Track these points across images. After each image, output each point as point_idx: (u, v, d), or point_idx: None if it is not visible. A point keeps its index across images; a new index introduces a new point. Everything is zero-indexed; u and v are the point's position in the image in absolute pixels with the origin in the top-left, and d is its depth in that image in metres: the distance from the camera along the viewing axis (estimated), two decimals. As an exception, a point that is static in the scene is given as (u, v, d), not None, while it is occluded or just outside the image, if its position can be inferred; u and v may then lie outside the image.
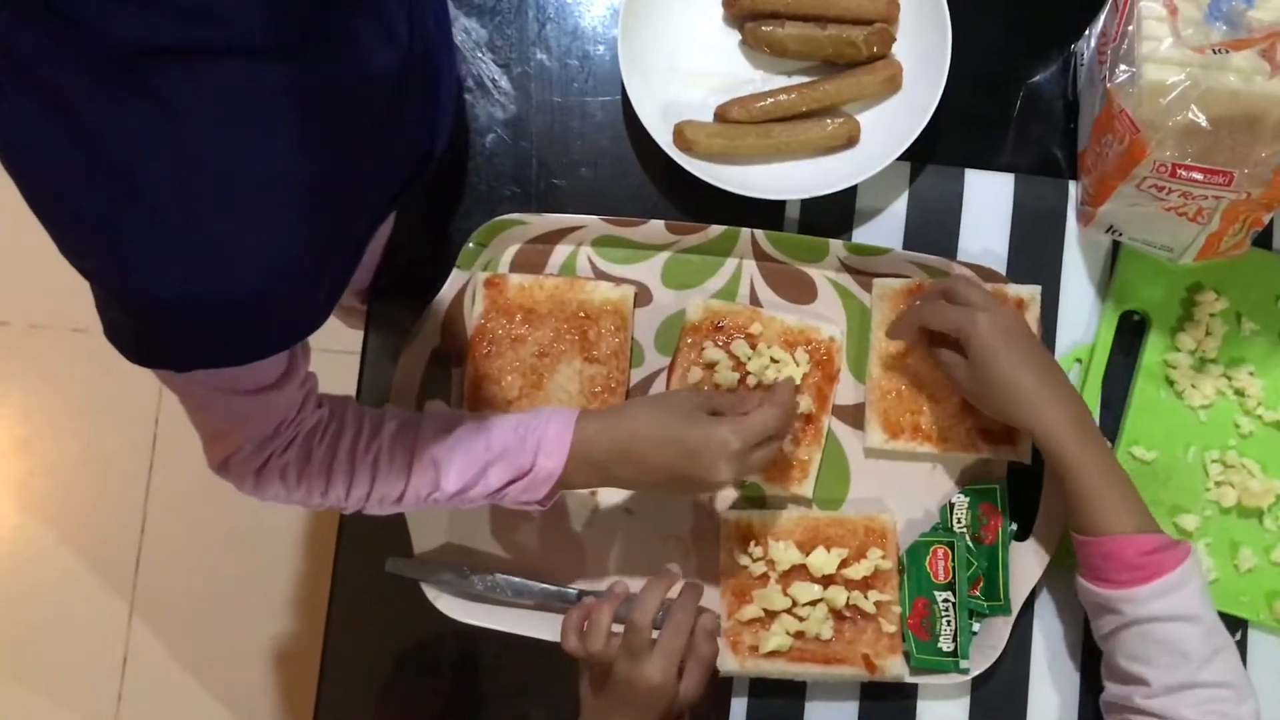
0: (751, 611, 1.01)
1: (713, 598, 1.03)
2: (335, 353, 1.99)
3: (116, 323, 0.71)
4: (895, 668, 1.00)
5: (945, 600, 1.01)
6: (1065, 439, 0.92)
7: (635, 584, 1.01)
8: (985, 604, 1.02)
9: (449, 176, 1.11)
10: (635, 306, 1.07)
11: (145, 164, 0.62)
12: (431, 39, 0.94)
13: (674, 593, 0.98)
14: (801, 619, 1.01)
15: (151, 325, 0.70)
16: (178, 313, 0.67)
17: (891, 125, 1.08)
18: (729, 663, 1.01)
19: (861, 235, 1.10)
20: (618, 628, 0.95)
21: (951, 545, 1.02)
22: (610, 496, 1.06)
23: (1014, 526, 1.04)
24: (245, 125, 0.64)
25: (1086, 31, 1.09)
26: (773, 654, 1.00)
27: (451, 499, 0.92)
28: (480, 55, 1.13)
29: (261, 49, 0.63)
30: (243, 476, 0.90)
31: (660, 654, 0.92)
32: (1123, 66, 0.95)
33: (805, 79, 1.11)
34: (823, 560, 1.01)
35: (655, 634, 0.94)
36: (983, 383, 0.95)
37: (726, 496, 1.06)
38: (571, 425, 0.91)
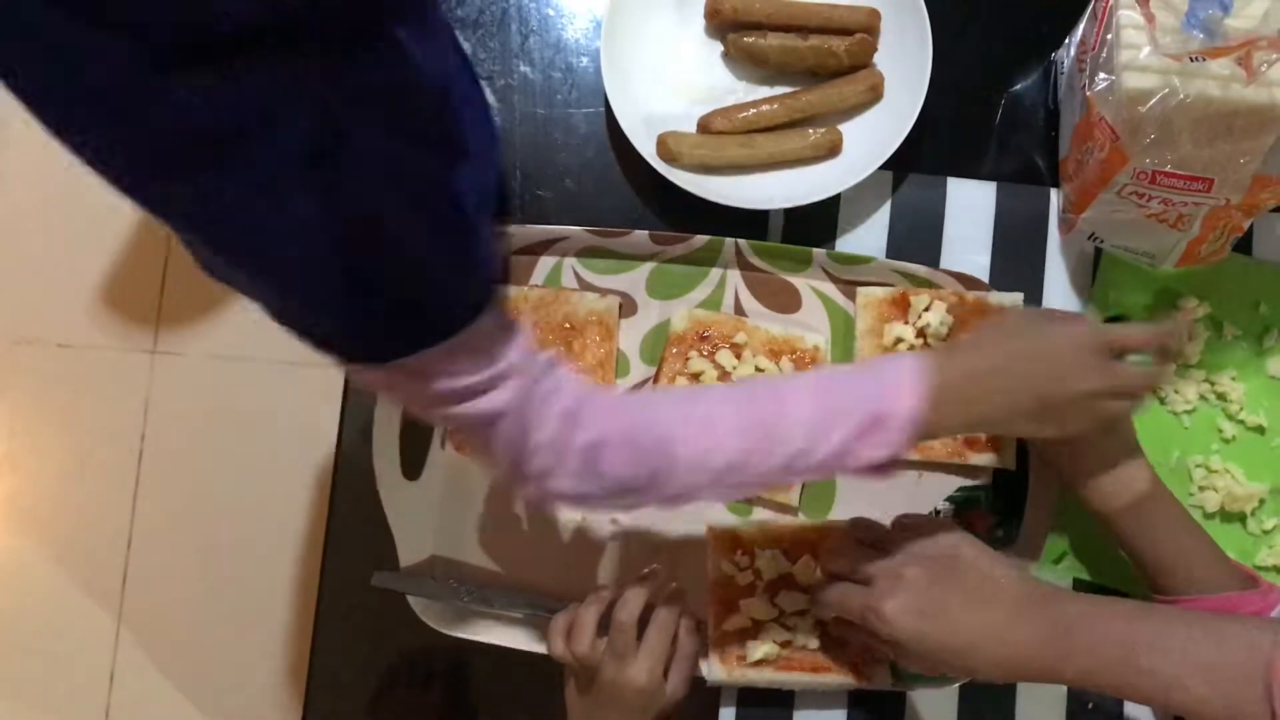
0: (739, 621, 1.01)
1: (699, 608, 1.03)
2: (323, 367, 2.00)
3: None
4: (883, 676, 1.00)
5: None
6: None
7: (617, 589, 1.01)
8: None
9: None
10: (620, 317, 1.07)
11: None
12: None
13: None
14: (789, 628, 1.01)
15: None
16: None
17: (874, 134, 1.08)
18: (717, 672, 1.01)
19: (845, 244, 1.11)
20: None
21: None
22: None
23: (1000, 532, 1.04)
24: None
25: (1066, 40, 1.10)
26: (760, 663, 1.00)
27: (791, 462, 0.78)
28: (463, 68, 1.13)
29: None
30: (556, 478, 0.76)
31: (646, 655, 0.91)
32: (1102, 75, 0.96)
33: (787, 89, 1.11)
34: (810, 569, 1.01)
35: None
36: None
37: (713, 507, 1.06)
38: (923, 363, 0.80)
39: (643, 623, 0.93)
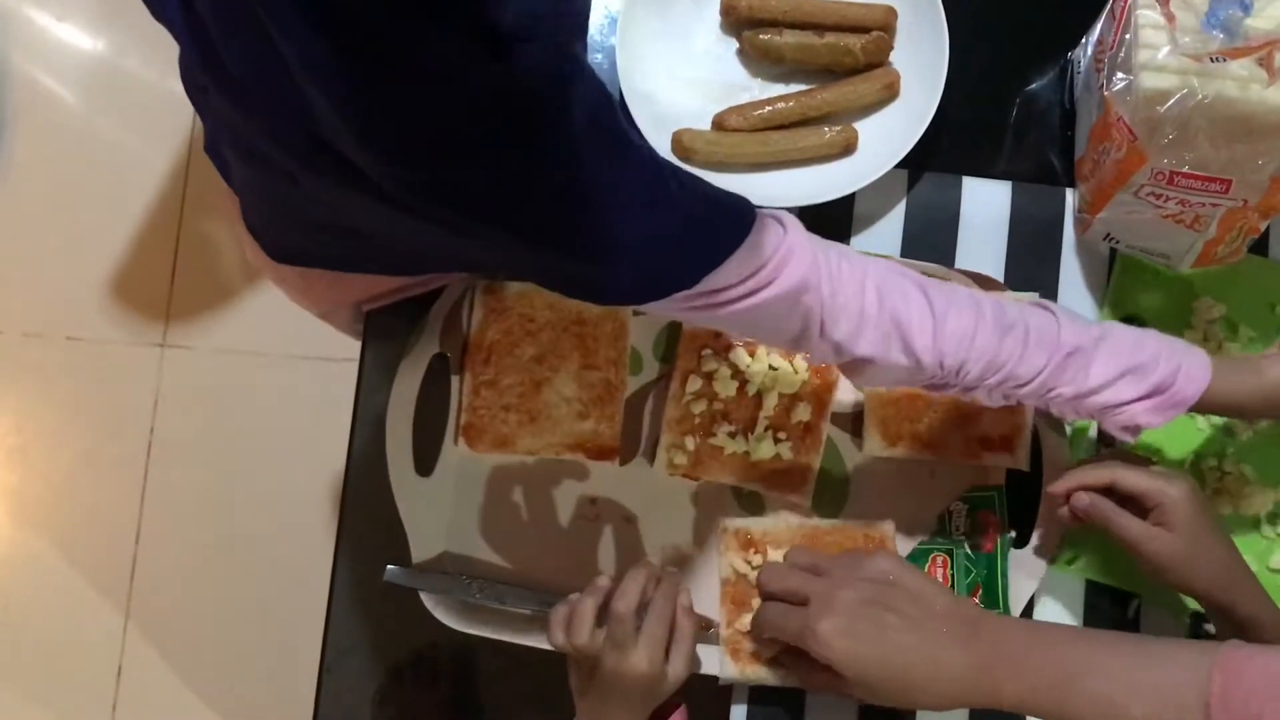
0: (750, 619, 1.01)
1: (712, 605, 1.03)
2: (335, 361, 2.01)
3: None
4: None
5: None
6: (1253, 599, 0.87)
7: (634, 592, 1.01)
8: (985, 611, 1.02)
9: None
10: (633, 314, 1.07)
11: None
12: None
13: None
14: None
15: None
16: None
17: (889, 133, 1.08)
18: (729, 670, 1.01)
19: (859, 243, 1.10)
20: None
21: (950, 553, 1.02)
22: (609, 506, 1.06)
23: (1013, 534, 1.04)
24: None
25: (1083, 39, 1.10)
26: (772, 661, 1.00)
27: (1078, 395, 0.86)
28: (478, 63, 1.13)
29: None
30: (859, 341, 0.83)
31: (645, 642, 0.91)
32: (1120, 74, 0.96)
33: (803, 87, 1.11)
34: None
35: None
36: (1185, 549, 0.88)
37: (726, 506, 1.06)
38: (1209, 361, 0.88)
39: (641, 610, 0.94)
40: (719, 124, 1.09)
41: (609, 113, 0.68)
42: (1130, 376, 0.86)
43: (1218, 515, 1.05)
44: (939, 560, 1.02)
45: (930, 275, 1.04)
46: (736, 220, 0.76)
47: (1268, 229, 1.08)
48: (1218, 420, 1.07)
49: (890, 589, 0.83)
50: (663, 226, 0.72)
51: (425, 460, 1.06)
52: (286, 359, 2.09)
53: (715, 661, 1.01)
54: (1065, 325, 0.86)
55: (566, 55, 0.61)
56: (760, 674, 1.00)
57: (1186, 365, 0.87)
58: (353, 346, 1.12)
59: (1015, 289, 1.05)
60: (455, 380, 1.07)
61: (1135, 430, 0.88)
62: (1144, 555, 0.90)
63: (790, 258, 0.78)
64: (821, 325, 0.81)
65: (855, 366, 0.85)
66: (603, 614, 0.93)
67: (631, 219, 0.70)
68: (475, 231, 0.68)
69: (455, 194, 0.65)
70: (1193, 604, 1.04)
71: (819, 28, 1.09)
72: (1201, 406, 0.87)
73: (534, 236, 0.69)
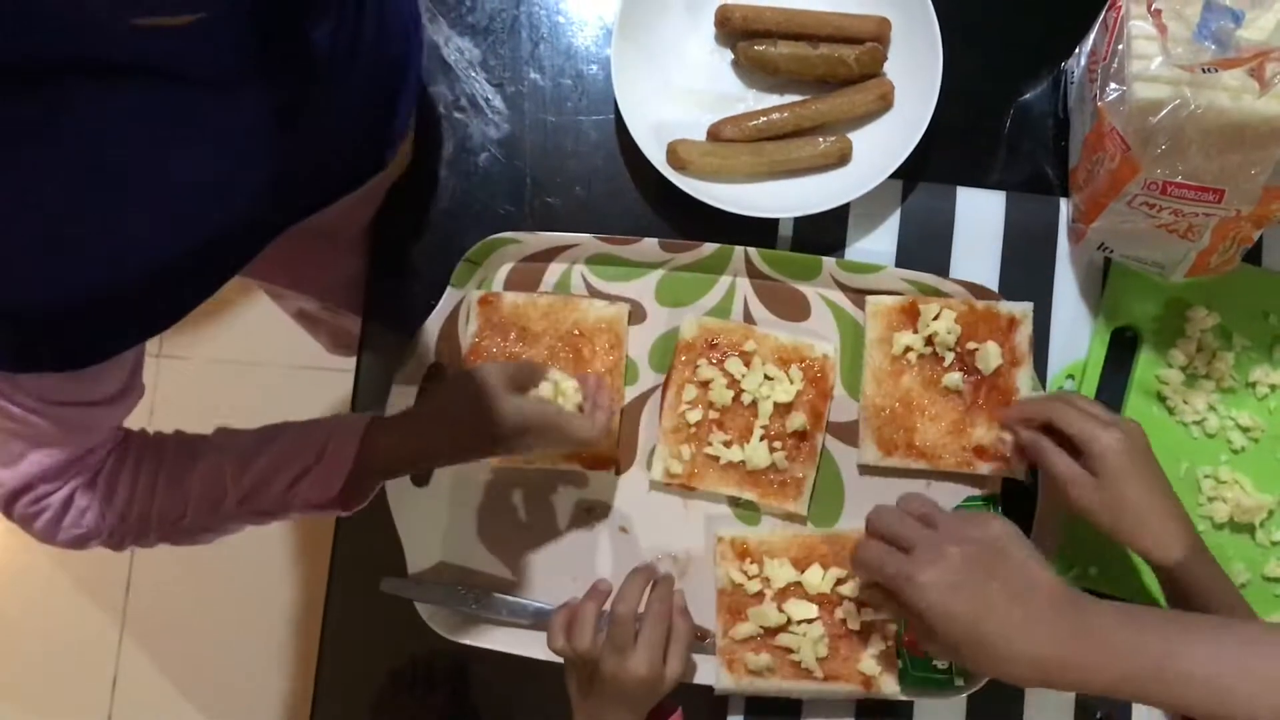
0: (747, 629, 1.01)
1: (709, 615, 1.03)
2: (330, 370, 2.00)
3: None
4: (890, 685, 1.00)
5: None
6: (1196, 565, 0.86)
7: (630, 602, 1.02)
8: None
9: (440, 196, 1.11)
10: (629, 324, 1.07)
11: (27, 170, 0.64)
12: (392, 49, 0.95)
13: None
14: (797, 636, 1.00)
15: (14, 322, 0.70)
16: (43, 308, 0.68)
17: (883, 143, 1.09)
18: (725, 680, 1.00)
19: (854, 253, 1.11)
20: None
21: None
22: (605, 515, 1.06)
23: (1008, 543, 1.04)
24: (152, 144, 0.67)
25: (1076, 50, 1.10)
26: (768, 671, 1.00)
27: (241, 504, 0.90)
28: (474, 74, 1.13)
29: (211, 79, 0.68)
30: (36, 514, 0.85)
31: (644, 646, 0.92)
32: (1113, 85, 0.96)
33: (797, 98, 1.11)
34: (818, 578, 1.01)
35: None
36: (1114, 500, 0.88)
37: (721, 515, 1.06)
38: (362, 423, 0.93)
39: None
40: (714, 135, 1.09)
41: None
42: (284, 467, 0.91)
43: (1211, 523, 1.06)
44: None
45: (924, 285, 1.05)
46: None
47: (1261, 238, 1.09)
48: (1212, 428, 1.07)
49: (998, 555, 0.80)
50: None
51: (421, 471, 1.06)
52: (282, 369, 2.09)
53: (711, 672, 1.01)
54: None
55: None
56: (756, 684, 1.00)
57: (333, 437, 0.93)
58: (346, 358, 1.12)
59: (1009, 298, 1.05)
60: (451, 390, 1.07)
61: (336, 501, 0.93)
62: (1068, 497, 0.91)
63: None
64: None
65: None
66: (602, 617, 0.93)
67: None
68: None
69: None
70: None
71: (813, 39, 1.09)
72: None
73: None
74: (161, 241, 0.71)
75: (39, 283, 0.67)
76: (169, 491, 0.88)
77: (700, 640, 1.01)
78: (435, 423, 0.96)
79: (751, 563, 1.03)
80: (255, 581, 2.05)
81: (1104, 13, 1.03)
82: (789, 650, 1.01)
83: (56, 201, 0.65)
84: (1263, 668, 0.73)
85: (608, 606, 0.97)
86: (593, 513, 1.07)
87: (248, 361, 2.12)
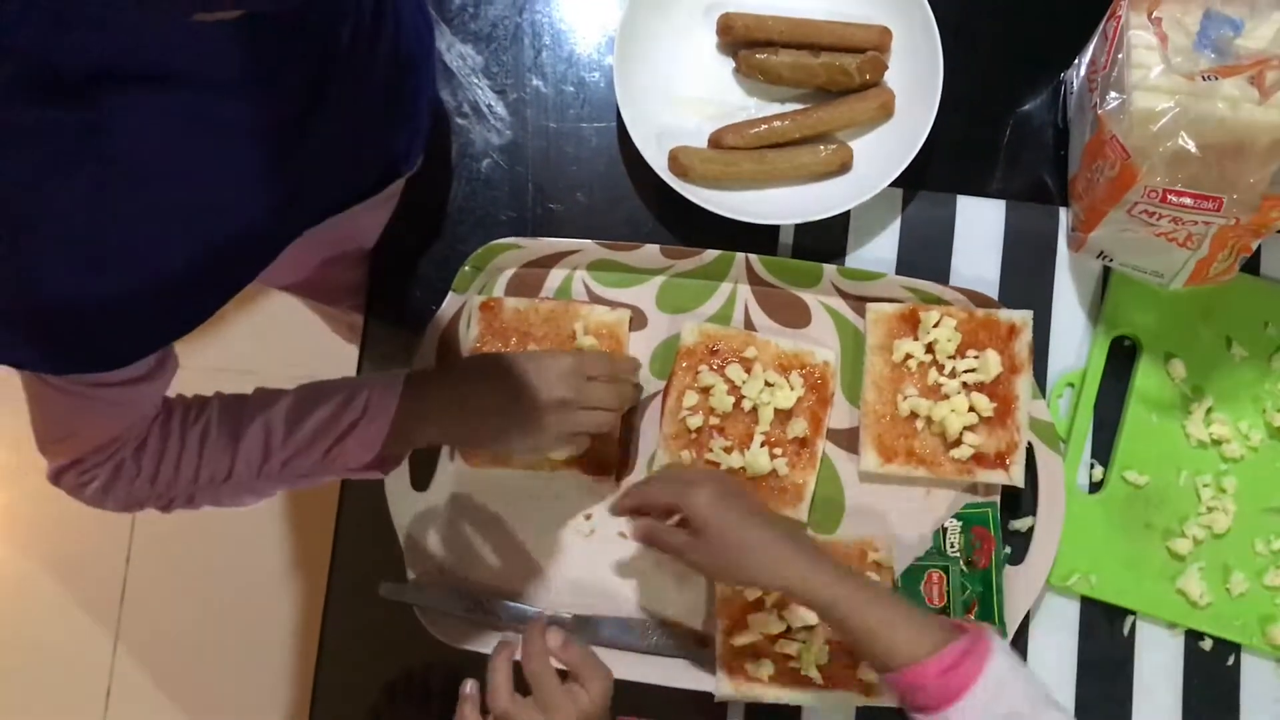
0: (747, 637, 1.01)
1: (708, 622, 1.03)
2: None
3: None
4: (890, 692, 1.00)
5: None
6: (822, 584, 0.87)
7: (627, 604, 1.02)
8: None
9: (443, 201, 1.12)
10: (630, 330, 1.08)
11: (56, 177, 0.64)
12: (407, 56, 0.95)
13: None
14: (797, 643, 1.00)
15: (45, 328, 0.70)
16: (72, 314, 0.69)
17: (884, 152, 1.09)
18: (725, 688, 1.00)
19: (854, 260, 1.11)
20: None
21: (946, 570, 1.02)
22: (606, 520, 1.06)
23: (1008, 550, 1.04)
24: (177, 151, 0.67)
25: (1076, 60, 1.11)
26: (769, 678, 1.00)
27: (285, 466, 0.92)
28: (476, 81, 1.14)
29: (220, 83, 0.68)
30: (85, 483, 0.88)
31: (567, 699, 0.87)
32: (1113, 93, 0.97)
33: (799, 106, 1.12)
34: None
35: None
36: (719, 550, 0.90)
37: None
38: (399, 381, 0.94)
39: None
40: (716, 142, 1.09)
41: None
42: (325, 427, 0.92)
43: (1210, 532, 1.06)
44: (935, 576, 1.02)
45: (924, 292, 1.05)
46: None
47: (1259, 248, 1.09)
48: (1211, 437, 1.07)
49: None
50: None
51: (421, 475, 1.06)
52: (278, 378, 2.07)
53: (711, 679, 1.01)
54: None
55: None
56: (755, 692, 1.00)
57: (373, 397, 0.94)
58: (346, 363, 1.12)
59: (1009, 306, 1.06)
60: (452, 395, 1.07)
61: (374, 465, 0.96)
62: (692, 567, 0.94)
63: None
64: None
65: None
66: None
67: None
68: None
69: None
70: (1187, 621, 1.05)
71: (815, 48, 1.10)
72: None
73: None
74: (189, 244, 0.71)
75: (69, 286, 0.67)
76: (215, 454, 0.89)
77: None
78: (475, 391, 0.97)
79: (751, 569, 1.02)
80: (252, 588, 2.05)
81: (1104, 22, 1.04)
82: (789, 657, 1.01)
83: (88, 208, 0.65)
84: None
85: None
86: (592, 518, 1.06)
87: (245, 370, 2.11)
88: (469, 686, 0.91)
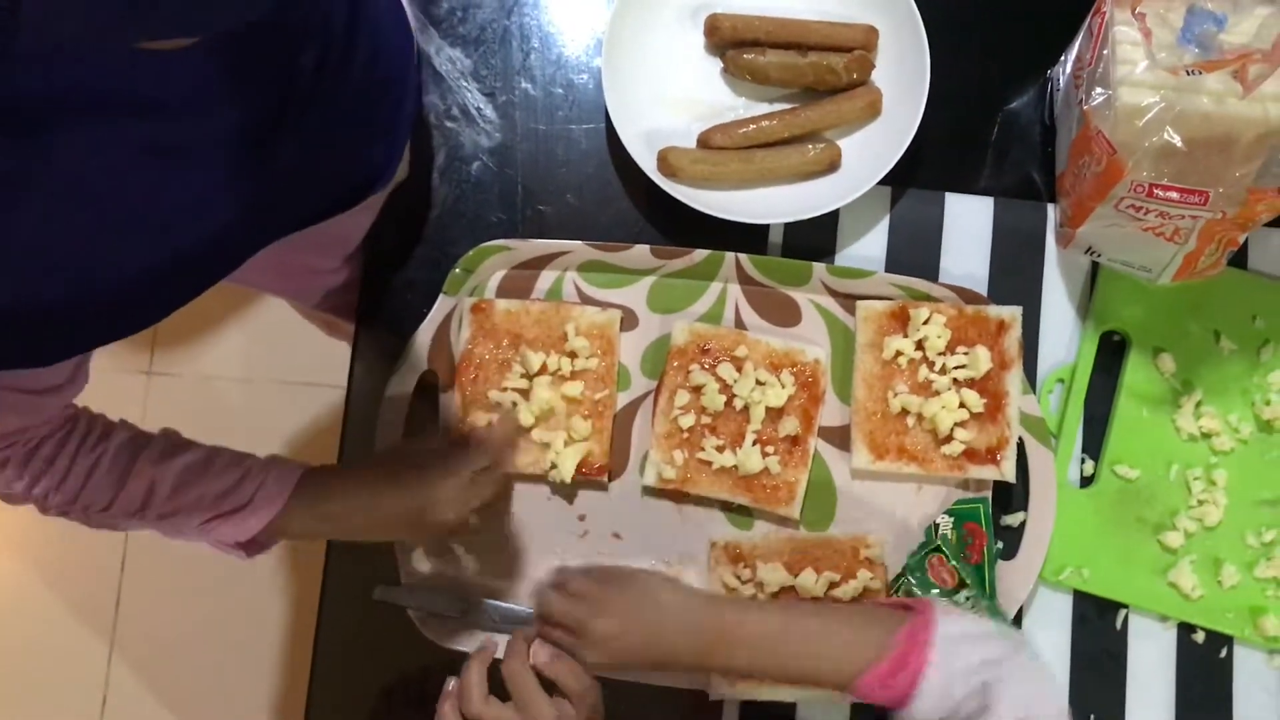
0: (741, 634, 1.01)
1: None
2: (319, 386, 2.01)
3: None
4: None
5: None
6: (743, 641, 0.88)
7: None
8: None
9: (432, 204, 1.12)
10: (621, 330, 1.08)
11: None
12: (385, 72, 0.95)
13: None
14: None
15: None
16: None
17: (872, 150, 1.09)
18: (720, 686, 1.00)
19: (844, 259, 1.11)
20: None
21: (939, 549, 1.02)
22: (598, 521, 1.06)
23: (1000, 545, 1.05)
24: (122, 177, 0.67)
25: (1062, 57, 1.11)
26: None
27: (160, 520, 0.92)
28: (465, 84, 1.14)
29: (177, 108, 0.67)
30: None
31: (546, 704, 0.88)
32: (1099, 89, 0.97)
33: (786, 105, 1.12)
34: (811, 581, 1.01)
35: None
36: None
37: (714, 520, 1.06)
38: (295, 474, 0.94)
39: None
40: (704, 142, 1.10)
41: None
42: (208, 499, 0.92)
43: (1201, 525, 1.06)
44: (936, 561, 1.02)
45: (914, 290, 1.05)
46: None
47: (1246, 241, 1.10)
48: (1200, 430, 1.08)
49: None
50: None
51: (414, 478, 1.06)
52: (273, 384, 2.09)
53: (706, 677, 1.01)
54: None
55: None
56: (750, 690, 1.00)
57: (264, 487, 0.93)
58: (338, 371, 1.12)
59: (998, 303, 1.06)
60: (443, 398, 1.07)
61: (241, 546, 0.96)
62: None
63: None
64: None
65: None
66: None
67: None
68: None
69: None
70: (1180, 614, 1.05)
71: (802, 47, 1.10)
72: None
73: None
74: (136, 259, 0.71)
75: (4, 289, 0.66)
76: (101, 485, 0.89)
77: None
78: (365, 495, 0.97)
79: (745, 567, 1.03)
80: (247, 593, 2.04)
81: (1089, 19, 1.05)
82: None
83: (28, 225, 0.64)
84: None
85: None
86: (585, 519, 1.07)
87: (239, 378, 2.12)
88: (451, 684, 0.91)
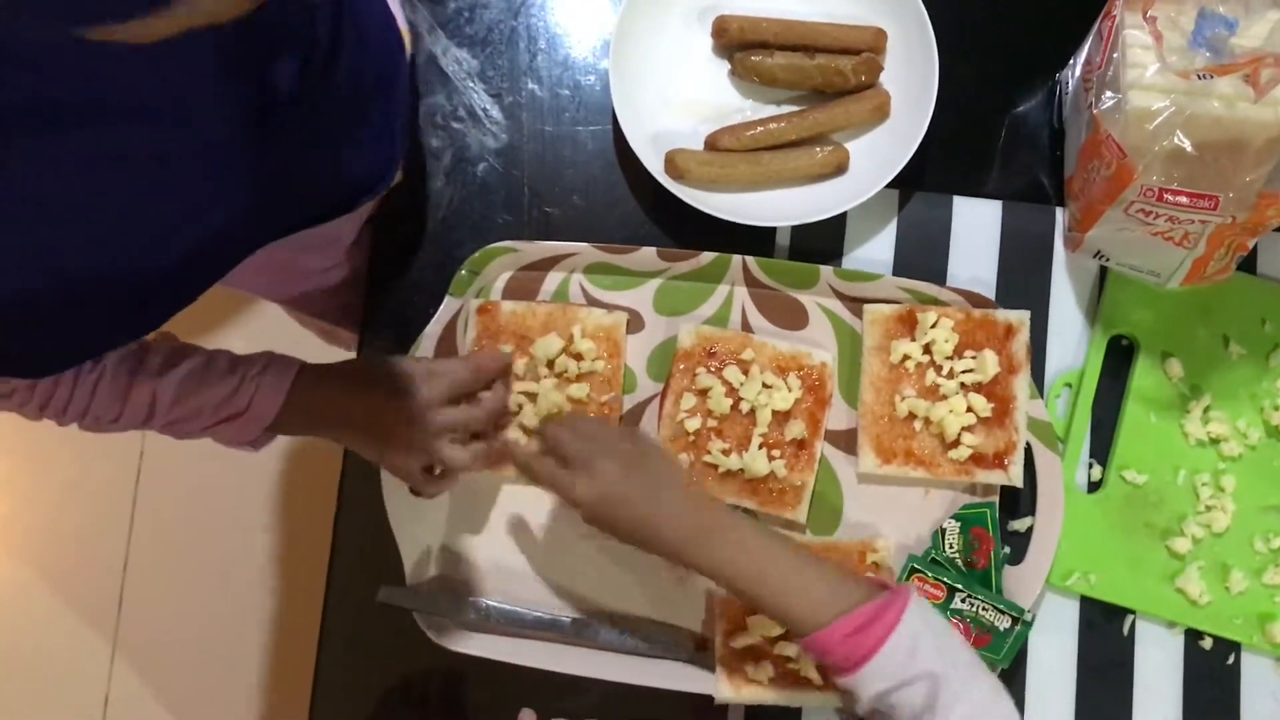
0: (746, 639, 1.00)
1: (708, 623, 1.03)
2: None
3: None
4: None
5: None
6: (728, 543, 0.88)
7: (625, 606, 1.01)
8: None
9: (438, 205, 1.12)
10: (627, 333, 1.07)
11: None
12: (374, 77, 0.95)
13: None
14: (797, 645, 1.00)
15: None
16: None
17: (880, 153, 1.09)
18: (725, 691, 1.00)
19: (851, 262, 1.11)
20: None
21: (943, 577, 1.02)
22: (603, 523, 1.06)
23: (1007, 550, 1.04)
24: (93, 186, 0.66)
25: (1071, 60, 1.11)
26: (768, 681, 1.00)
27: (167, 427, 0.94)
28: (472, 85, 1.14)
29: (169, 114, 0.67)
30: None
31: None
32: (1109, 93, 0.97)
33: (794, 108, 1.12)
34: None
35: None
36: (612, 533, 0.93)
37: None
38: (289, 379, 0.96)
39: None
40: (711, 144, 1.09)
41: None
42: (209, 406, 0.94)
43: (1210, 530, 1.06)
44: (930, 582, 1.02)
45: (921, 293, 1.05)
46: None
47: (1256, 246, 1.10)
48: (1209, 435, 1.07)
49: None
50: None
51: (419, 479, 1.06)
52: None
53: (710, 681, 1.01)
54: None
55: None
56: (755, 694, 1.00)
57: (260, 389, 0.95)
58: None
59: (1006, 307, 1.06)
60: (449, 399, 1.07)
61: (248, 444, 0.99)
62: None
63: None
64: None
65: None
66: None
67: None
68: None
69: None
70: (1187, 620, 1.05)
71: (810, 49, 1.10)
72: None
73: None
74: (123, 269, 0.70)
75: None
76: (106, 400, 0.90)
77: None
78: (356, 397, 0.98)
79: (750, 571, 1.02)
80: (250, 594, 2.04)
81: (1099, 22, 1.04)
82: (789, 659, 1.00)
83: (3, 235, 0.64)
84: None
85: None
86: (591, 522, 1.06)
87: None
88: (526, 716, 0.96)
